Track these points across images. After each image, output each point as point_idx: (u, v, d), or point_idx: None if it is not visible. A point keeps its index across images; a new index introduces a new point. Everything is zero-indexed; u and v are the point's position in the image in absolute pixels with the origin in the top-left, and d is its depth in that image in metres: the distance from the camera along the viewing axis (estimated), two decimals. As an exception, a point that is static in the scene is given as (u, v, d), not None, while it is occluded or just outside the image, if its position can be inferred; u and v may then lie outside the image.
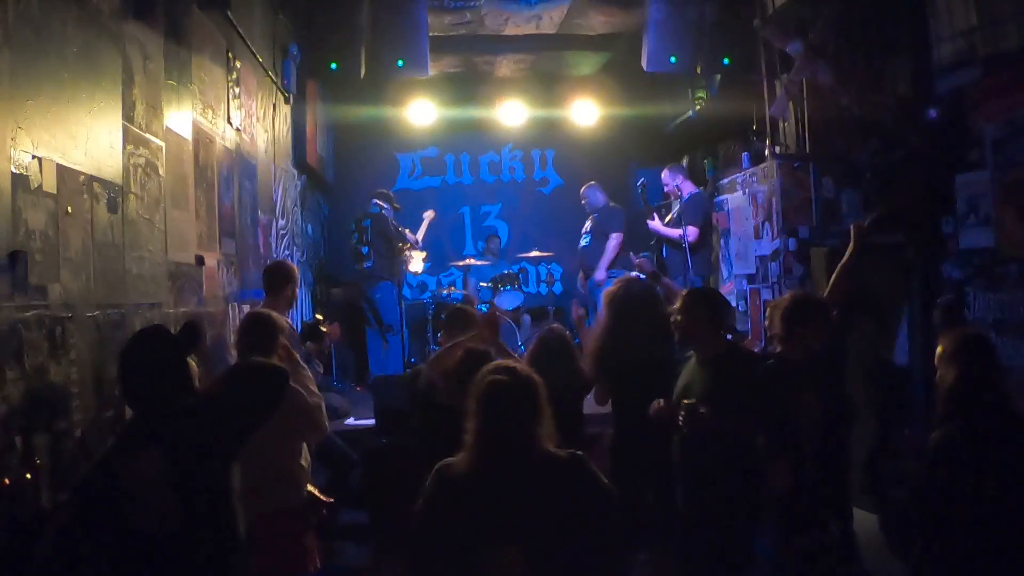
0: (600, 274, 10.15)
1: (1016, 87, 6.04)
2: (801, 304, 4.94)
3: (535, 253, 11.53)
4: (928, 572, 3.82)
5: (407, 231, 10.53)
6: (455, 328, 5.60)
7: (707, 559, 4.70)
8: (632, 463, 5.27)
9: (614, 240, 10.22)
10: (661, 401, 4.85)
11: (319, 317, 5.47)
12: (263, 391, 3.53)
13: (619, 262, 10.15)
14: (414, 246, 10.51)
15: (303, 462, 4.86)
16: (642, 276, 6.99)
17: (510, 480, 3.25)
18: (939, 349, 3.95)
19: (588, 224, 10.64)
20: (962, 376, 3.77)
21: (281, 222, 8.74)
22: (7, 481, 3.00)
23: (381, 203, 10.07)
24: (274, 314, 4.87)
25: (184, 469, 3.18)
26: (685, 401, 4.70)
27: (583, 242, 10.62)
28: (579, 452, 3.43)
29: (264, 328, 4.58)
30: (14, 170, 3.19)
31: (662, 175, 10.15)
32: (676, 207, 10.05)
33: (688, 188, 9.89)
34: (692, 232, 9.43)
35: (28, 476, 3.08)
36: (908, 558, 4.19)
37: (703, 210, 9.66)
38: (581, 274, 10.76)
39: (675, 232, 9.50)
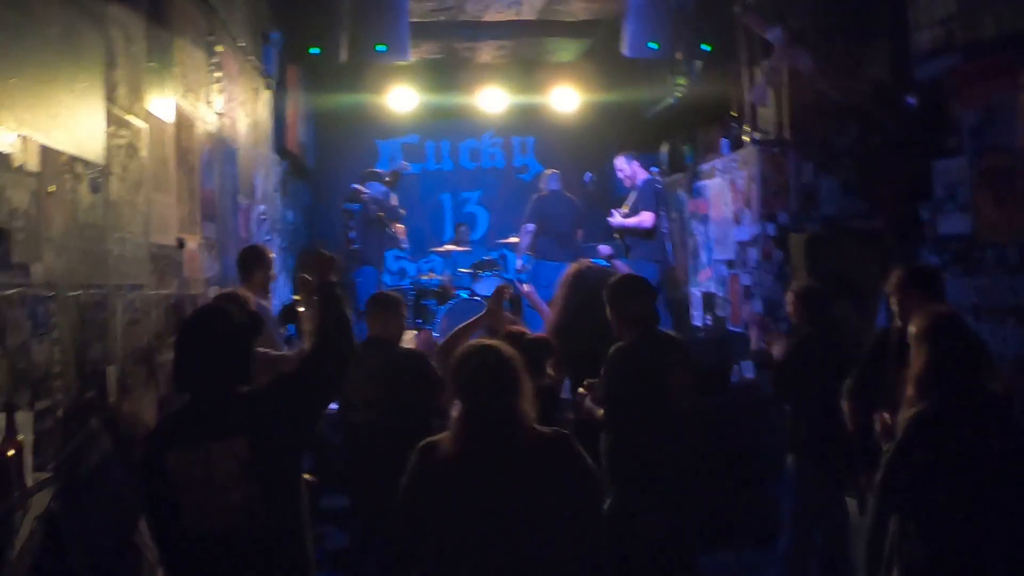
0: (517, 264, 11.01)
1: (993, 74, 6.09)
2: (920, 275, 4.91)
3: (514, 239, 11.58)
4: (905, 552, 3.84)
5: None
6: (382, 312, 5.59)
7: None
8: (589, 445, 5.32)
9: (522, 232, 10.84)
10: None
11: (296, 299, 5.47)
12: (336, 367, 3.53)
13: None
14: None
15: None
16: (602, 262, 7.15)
17: (498, 459, 3.28)
18: (911, 328, 3.96)
19: None
20: (934, 355, 3.77)
21: (262, 207, 8.72)
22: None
23: (361, 188, 10.06)
24: (243, 293, 4.85)
25: (266, 457, 3.18)
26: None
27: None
28: (564, 431, 3.46)
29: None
30: (-3, 148, 3.19)
31: (615, 162, 10.24)
32: (632, 195, 10.15)
33: (642, 175, 10.00)
34: (648, 217, 9.59)
35: (11, 453, 3.07)
36: (883, 539, 4.23)
37: (656, 195, 9.79)
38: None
39: (634, 221, 9.70)
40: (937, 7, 6.54)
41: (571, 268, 5.98)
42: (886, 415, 4.21)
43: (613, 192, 11.17)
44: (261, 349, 4.78)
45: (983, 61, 6.15)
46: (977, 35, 6.17)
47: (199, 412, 3.29)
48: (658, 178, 10.16)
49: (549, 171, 11.24)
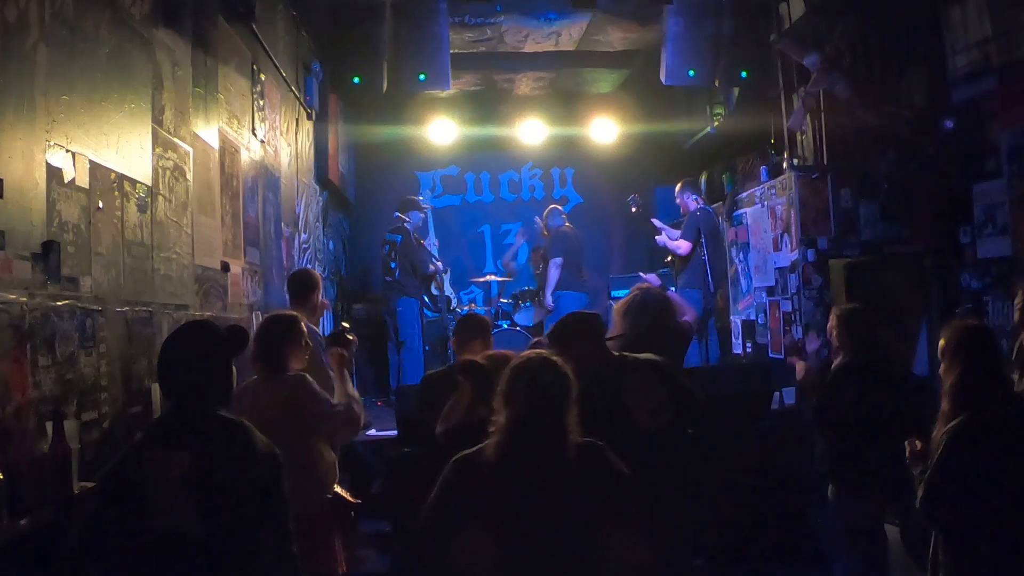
0: (548, 300, 10.67)
1: (1031, 95, 6.09)
2: None
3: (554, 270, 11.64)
4: (946, 567, 3.79)
5: (432, 261, 10.67)
6: (468, 333, 5.58)
7: None
8: None
9: (552, 267, 10.68)
10: None
11: (345, 325, 5.51)
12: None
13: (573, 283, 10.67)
14: (437, 272, 10.72)
15: (329, 464, 4.84)
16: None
17: (543, 469, 3.30)
18: (940, 342, 3.91)
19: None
20: (968, 370, 3.73)
21: (303, 236, 8.84)
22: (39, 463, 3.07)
23: (403, 216, 10.16)
24: (298, 315, 4.88)
25: (210, 475, 3.17)
26: None
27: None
28: (597, 441, 3.48)
29: (286, 326, 4.59)
30: (49, 161, 3.29)
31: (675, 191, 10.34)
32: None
33: (691, 205, 10.01)
34: (682, 246, 9.72)
35: (58, 459, 3.14)
36: (924, 558, 4.17)
37: (696, 226, 9.75)
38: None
39: (672, 244, 9.84)
40: (973, 30, 6.55)
41: (633, 293, 5.95)
42: (917, 441, 4.12)
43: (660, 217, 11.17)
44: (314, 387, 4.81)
45: (1020, 83, 6.14)
46: (1013, 57, 6.17)
47: (172, 418, 3.31)
48: (706, 209, 10.08)
49: (551, 207, 11.36)
